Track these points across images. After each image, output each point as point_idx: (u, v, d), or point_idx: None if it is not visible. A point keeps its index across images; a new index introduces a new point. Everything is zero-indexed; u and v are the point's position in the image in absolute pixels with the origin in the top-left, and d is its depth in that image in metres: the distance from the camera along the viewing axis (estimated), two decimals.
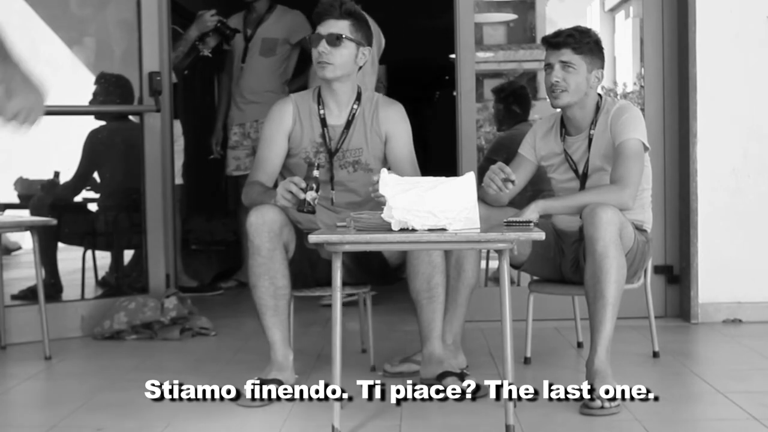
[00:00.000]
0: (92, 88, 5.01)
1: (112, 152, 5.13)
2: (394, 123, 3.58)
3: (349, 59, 3.51)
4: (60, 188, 5.10)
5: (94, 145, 5.03)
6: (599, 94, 3.62)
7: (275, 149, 3.55)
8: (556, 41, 3.54)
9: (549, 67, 3.54)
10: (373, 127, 3.56)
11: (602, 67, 3.59)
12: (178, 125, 5.80)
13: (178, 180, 5.83)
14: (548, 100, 3.60)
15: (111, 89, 5.05)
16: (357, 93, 3.59)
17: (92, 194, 5.26)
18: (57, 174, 5.06)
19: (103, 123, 5.09)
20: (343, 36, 3.47)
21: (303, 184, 3.14)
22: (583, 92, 3.54)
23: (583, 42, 3.52)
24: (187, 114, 5.93)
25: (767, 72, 4.59)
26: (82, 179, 5.10)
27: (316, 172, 3.16)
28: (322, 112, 3.56)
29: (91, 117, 5.08)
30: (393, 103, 3.65)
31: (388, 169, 3.55)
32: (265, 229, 3.26)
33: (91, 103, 5.00)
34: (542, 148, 3.69)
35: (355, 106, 3.57)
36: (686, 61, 4.60)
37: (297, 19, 5.83)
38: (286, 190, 3.18)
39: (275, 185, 3.46)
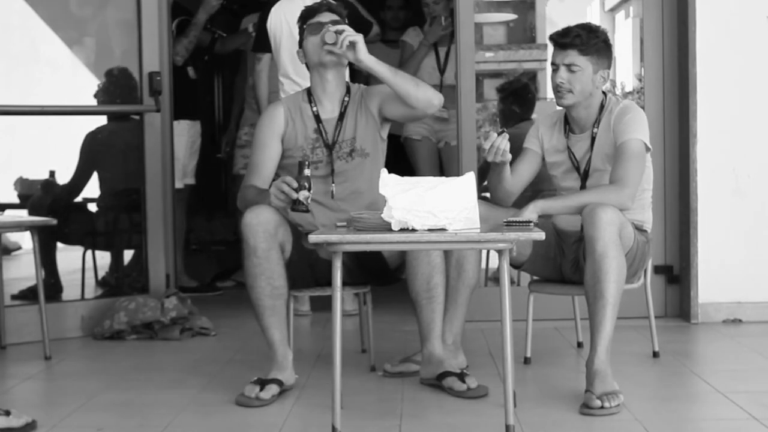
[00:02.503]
0: (95, 85, 5.01)
1: (111, 152, 5.12)
2: (382, 88, 3.58)
3: None
4: (59, 189, 5.10)
5: (92, 146, 5.03)
6: (604, 93, 3.62)
7: (269, 153, 3.56)
8: (563, 42, 3.52)
9: (555, 66, 3.54)
10: (362, 111, 3.58)
11: (609, 67, 3.58)
12: (197, 125, 5.82)
13: (190, 180, 5.85)
14: (553, 98, 3.61)
15: (112, 89, 5.05)
16: (346, 87, 3.63)
17: (92, 194, 5.26)
18: (53, 173, 5.06)
19: (101, 124, 5.08)
20: (343, 23, 3.53)
21: (295, 184, 3.14)
22: (589, 93, 3.54)
23: (590, 43, 3.51)
24: (198, 113, 5.93)
25: (767, 72, 4.59)
26: (80, 181, 5.10)
27: (307, 171, 3.15)
28: (315, 109, 3.58)
29: (91, 117, 5.08)
30: (377, 84, 3.69)
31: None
32: (260, 230, 3.26)
33: (95, 99, 5.00)
34: (547, 140, 3.69)
35: (346, 99, 3.60)
36: (686, 61, 4.60)
37: None
38: (279, 190, 3.19)
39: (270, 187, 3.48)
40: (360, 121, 3.58)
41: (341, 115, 3.58)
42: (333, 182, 3.56)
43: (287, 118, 3.59)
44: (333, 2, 3.63)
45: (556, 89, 3.54)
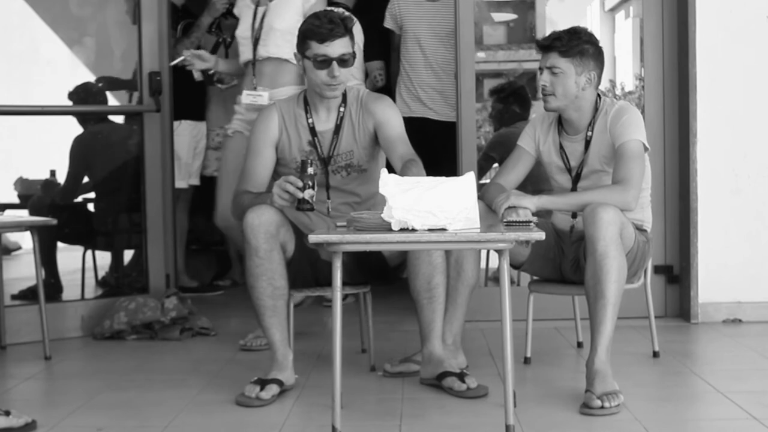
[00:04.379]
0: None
1: (104, 154, 5.13)
2: (381, 111, 3.55)
3: (350, 72, 3.52)
4: (57, 190, 5.11)
5: (81, 148, 5.03)
6: (598, 95, 3.61)
7: (263, 160, 3.53)
8: (543, 44, 3.55)
9: (540, 70, 3.56)
10: (360, 125, 3.55)
11: (596, 69, 3.54)
12: (200, 126, 5.82)
13: (194, 181, 5.85)
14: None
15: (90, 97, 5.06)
16: (342, 94, 3.57)
17: (90, 195, 5.27)
18: (53, 173, 5.06)
19: (94, 126, 5.09)
20: (351, 54, 3.46)
21: (300, 184, 3.12)
22: (573, 95, 3.53)
23: (570, 45, 3.50)
24: (202, 114, 5.93)
25: (767, 72, 4.59)
26: (72, 183, 5.11)
27: (310, 169, 3.14)
28: (310, 120, 3.54)
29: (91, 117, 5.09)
30: (379, 97, 3.64)
31: (386, 163, 3.56)
32: (262, 230, 3.25)
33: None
34: (543, 141, 3.69)
35: (342, 109, 3.56)
36: (686, 61, 4.60)
37: None
38: (283, 190, 3.17)
39: (268, 190, 3.47)
40: (358, 134, 3.54)
41: (337, 128, 3.54)
42: (329, 198, 3.54)
43: (281, 126, 3.54)
44: (345, 24, 3.44)
45: (542, 92, 3.56)
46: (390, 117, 3.56)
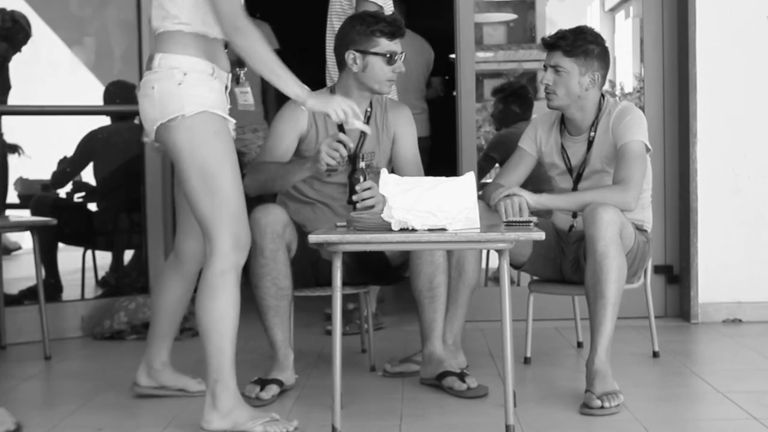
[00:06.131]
0: (98, 86, 5.03)
1: (110, 151, 5.13)
2: (402, 125, 3.63)
3: None
4: (51, 178, 5.14)
5: (90, 141, 5.04)
6: (602, 95, 3.61)
7: (285, 146, 3.52)
8: (549, 43, 3.55)
9: (544, 67, 3.55)
10: (384, 130, 3.58)
11: (601, 69, 3.54)
12: None
13: None
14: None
15: (112, 89, 5.07)
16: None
17: (92, 194, 5.27)
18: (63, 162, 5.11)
19: (104, 124, 5.10)
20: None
21: (351, 144, 3.19)
22: (576, 95, 3.53)
23: (575, 45, 3.50)
24: None
25: (767, 72, 4.59)
26: (71, 170, 5.12)
27: (362, 164, 3.19)
28: None
29: (92, 117, 5.09)
30: (401, 106, 3.72)
31: (391, 169, 3.56)
32: (269, 230, 3.26)
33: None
34: (545, 142, 3.69)
35: (369, 110, 3.58)
36: (686, 61, 4.60)
37: (268, 31, 6.00)
38: (332, 149, 3.18)
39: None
40: (381, 137, 3.58)
41: None
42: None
43: (311, 120, 3.54)
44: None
45: (544, 90, 3.55)
46: (407, 135, 3.63)
